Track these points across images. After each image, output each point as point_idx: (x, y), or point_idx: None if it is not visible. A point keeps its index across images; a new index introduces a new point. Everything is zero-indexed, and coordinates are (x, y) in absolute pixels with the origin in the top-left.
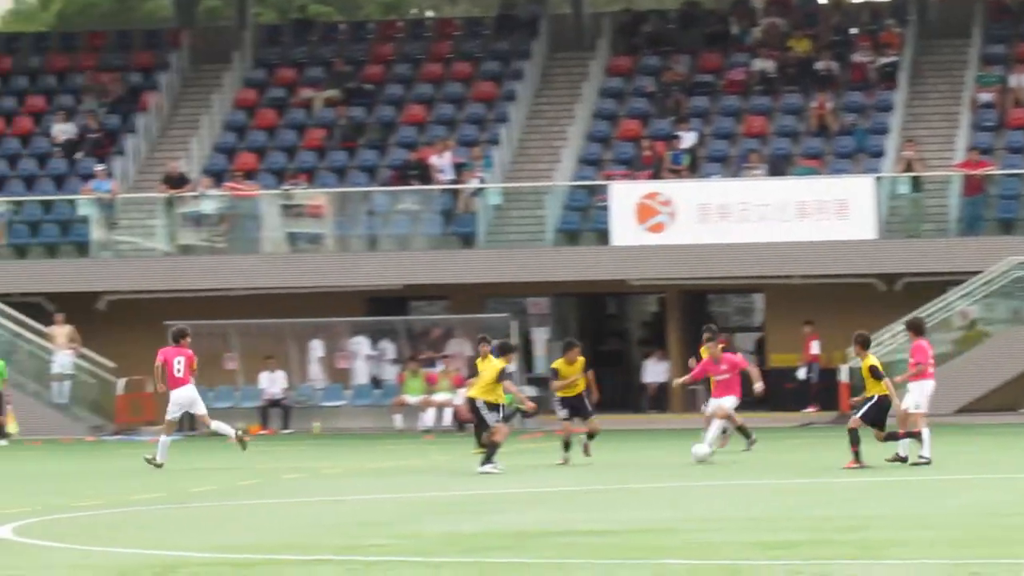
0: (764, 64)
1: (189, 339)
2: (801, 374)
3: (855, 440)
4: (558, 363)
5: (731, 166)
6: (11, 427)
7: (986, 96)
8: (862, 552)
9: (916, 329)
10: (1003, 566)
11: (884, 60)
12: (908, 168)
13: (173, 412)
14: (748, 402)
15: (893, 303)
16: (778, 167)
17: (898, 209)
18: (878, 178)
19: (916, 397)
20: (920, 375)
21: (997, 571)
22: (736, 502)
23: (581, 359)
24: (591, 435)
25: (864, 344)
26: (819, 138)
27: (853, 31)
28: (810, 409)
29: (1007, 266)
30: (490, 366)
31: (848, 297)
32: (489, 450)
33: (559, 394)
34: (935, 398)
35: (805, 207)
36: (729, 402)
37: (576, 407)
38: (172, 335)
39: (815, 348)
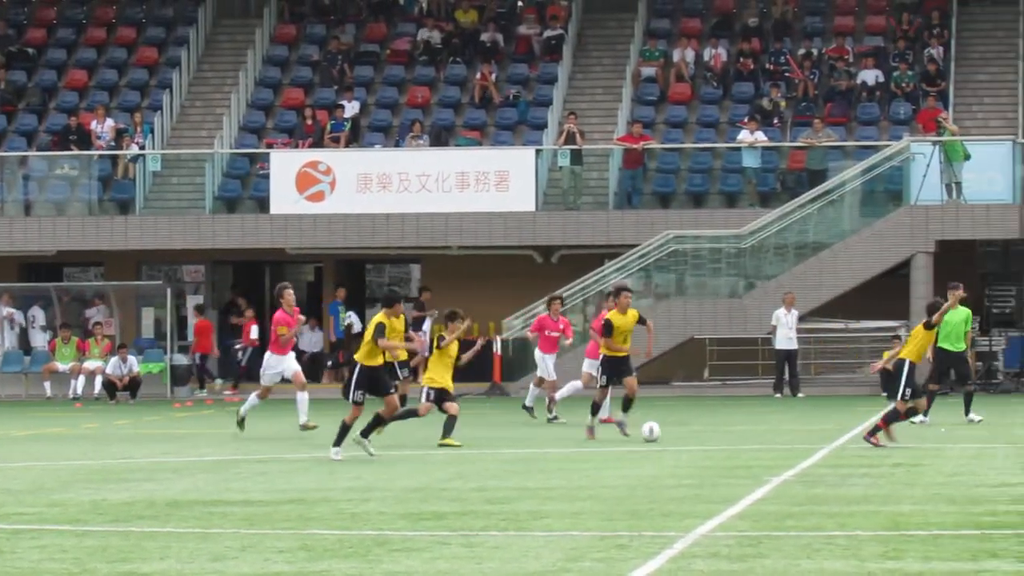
0: (429, 34)
1: None
2: (240, 356)
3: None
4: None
5: (393, 136)
6: None
7: (649, 70)
8: (509, 523)
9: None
10: (649, 538)
11: (550, 33)
12: (569, 141)
13: None
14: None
15: (550, 275)
16: (440, 138)
17: (558, 181)
18: (539, 150)
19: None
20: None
21: (643, 543)
22: (387, 473)
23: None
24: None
25: None
26: (482, 110)
27: (520, 3)
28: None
29: (663, 239)
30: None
31: (504, 268)
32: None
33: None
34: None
35: (465, 178)
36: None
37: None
38: None
39: (254, 333)
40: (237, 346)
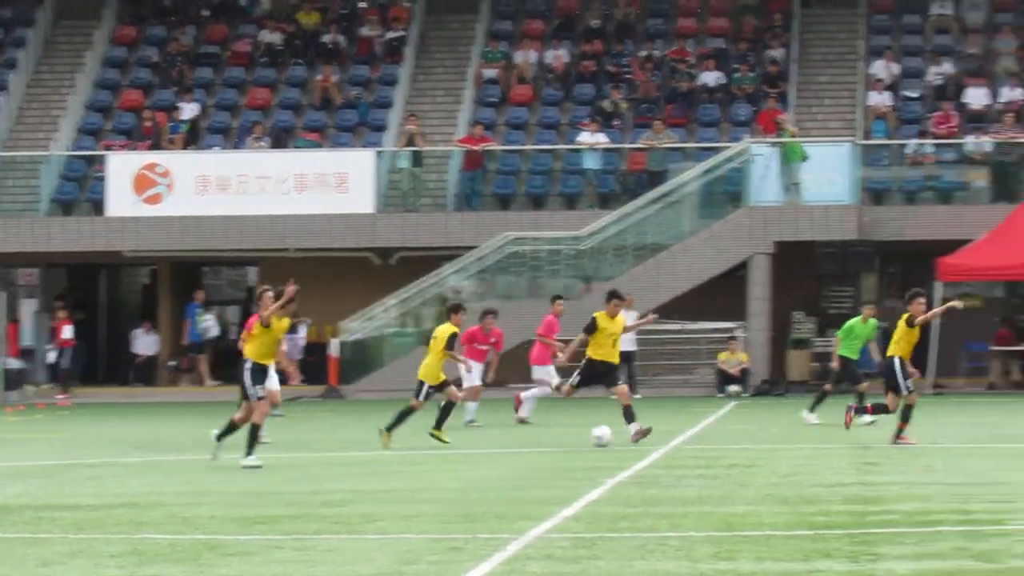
0: (271, 36)
1: None
2: (51, 358)
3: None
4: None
5: (233, 138)
6: None
7: (491, 72)
8: (343, 527)
9: None
10: (484, 540)
11: (392, 34)
12: (409, 142)
13: None
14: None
15: (387, 277)
16: (280, 140)
17: (397, 183)
18: (379, 152)
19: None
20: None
21: (478, 545)
22: (220, 477)
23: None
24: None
25: None
26: (322, 111)
27: (362, 5)
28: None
29: (502, 241)
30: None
31: (342, 270)
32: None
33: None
34: None
35: (304, 180)
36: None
37: None
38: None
39: (68, 333)
40: (48, 347)
